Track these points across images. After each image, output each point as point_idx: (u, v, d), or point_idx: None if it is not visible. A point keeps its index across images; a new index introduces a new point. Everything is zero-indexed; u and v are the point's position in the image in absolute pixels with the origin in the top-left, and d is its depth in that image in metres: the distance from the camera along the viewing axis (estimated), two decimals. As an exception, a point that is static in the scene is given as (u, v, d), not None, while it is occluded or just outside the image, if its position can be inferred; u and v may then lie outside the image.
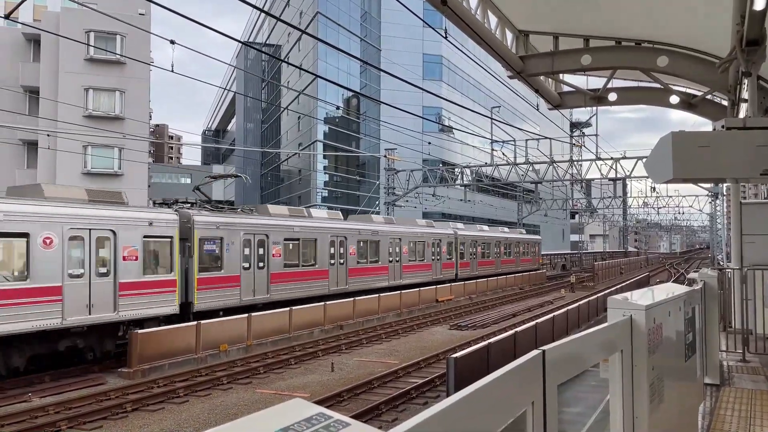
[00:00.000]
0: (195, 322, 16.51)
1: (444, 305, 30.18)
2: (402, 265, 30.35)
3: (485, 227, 44.37)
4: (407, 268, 30.81)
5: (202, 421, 11.55)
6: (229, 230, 19.24)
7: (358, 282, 26.50)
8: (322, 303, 21.74)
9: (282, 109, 69.03)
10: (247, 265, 19.71)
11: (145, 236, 16.32)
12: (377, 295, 25.38)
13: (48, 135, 35.46)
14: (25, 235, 13.88)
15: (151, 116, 49.87)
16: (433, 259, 33.22)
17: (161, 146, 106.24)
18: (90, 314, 14.99)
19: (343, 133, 61.14)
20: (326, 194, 59.39)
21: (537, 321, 16.82)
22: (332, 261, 24.72)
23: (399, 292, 27.14)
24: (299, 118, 63.22)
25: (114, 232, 15.68)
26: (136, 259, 16.08)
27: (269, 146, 71.90)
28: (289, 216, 23.16)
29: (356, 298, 23.85)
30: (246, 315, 18.13)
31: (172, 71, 16.47)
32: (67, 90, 38.02)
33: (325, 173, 60.51)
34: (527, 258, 48.77)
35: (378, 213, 50.42)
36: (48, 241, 14.20)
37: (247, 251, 19.85)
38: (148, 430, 11.12)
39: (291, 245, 22.28)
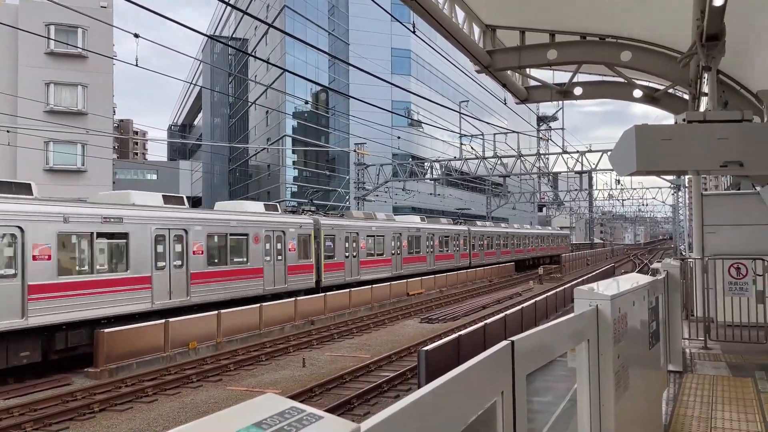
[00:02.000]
0: (163, 320, 16.29)
1: (415, 298, 30.27)
2: (402, 258, 33.51)
3: (488, 223, 47.90)
4: (407, 260, 34.08)
5: (172, 419, 11.42)
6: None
7: (372, 272, 30.01)
8: (293, 299, 21.57)
9: (250, 103, 68.27)
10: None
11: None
12: (348, 290, 25.30)
13: (8, 131, 34.54)
14: (125, 235, 16.83)
15: (114, 111, 48.93)
16: (456, 250, 40.26)
17: (126, 142, 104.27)
18: (170, 299, 17.94)
19: (312, 128, 60.79)
20: (295, 189, 58.51)
21: (506, 313, 16.87)
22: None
23: (370, 286, 27.02)
24: (267, 112, 62.42)
25: (186, 231, 18.85)
26: (202, 252, 19.39)
27: (237, 141, 70.94)
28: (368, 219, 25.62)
29: (327, 293, 23.77)
30: (215, 312, 17.94)
31: (136, 65, 16.19)
32: (27, 84, 37.08)
33: (294, 168, 59.91)
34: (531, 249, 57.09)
35: (348, 208, 49.79)
36: (144, 239, 17.32)
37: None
38: (117, 429, 10.95)
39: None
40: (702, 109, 9.88)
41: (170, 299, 18.07)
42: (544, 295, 22.70)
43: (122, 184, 54.95)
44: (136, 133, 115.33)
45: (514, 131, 42.72)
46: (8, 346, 13.93)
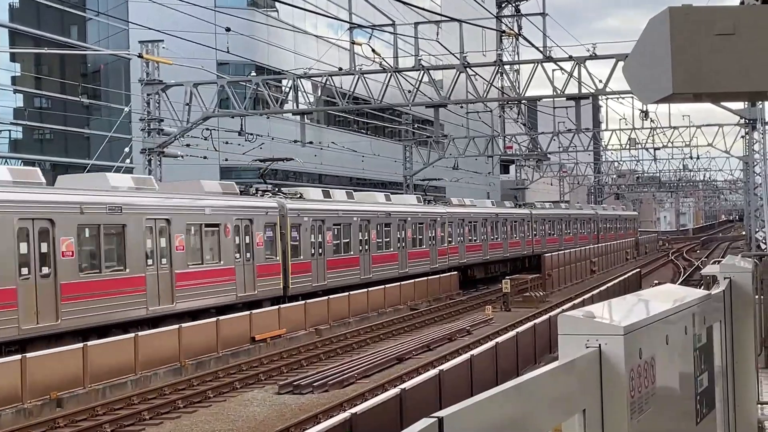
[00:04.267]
0: (20, 356, 12.43)
1: (267, 347, 17.86)
2: (408, 252, 27.70)
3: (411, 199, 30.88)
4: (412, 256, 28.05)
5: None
6: None
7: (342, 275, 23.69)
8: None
9: None
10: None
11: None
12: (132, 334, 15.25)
13: None
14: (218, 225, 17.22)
15: None
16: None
17: None
18: (245, 292, 18.36)
19: (51, 11, 31.75)
20: (20, 136, 33.43)
21: (440, 368, 11.16)
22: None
23: (178, 326, 16.20)
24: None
25: (251, 221, 19.24)
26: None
27: None
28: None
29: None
30: (81, 345, 13.47)
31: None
32: None
33: (15, 92, 32.45)
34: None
35: (131, 170, 28.04)
36: (227, 230, 17.28)
37: None
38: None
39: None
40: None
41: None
42: (512, 333, 15.29)
43: None
44: None
45: (453, 19, 22.40)
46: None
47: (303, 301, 19.99)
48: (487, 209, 36.47)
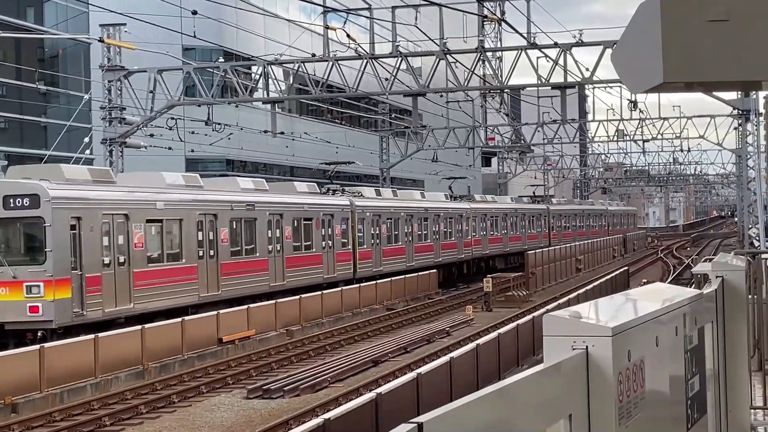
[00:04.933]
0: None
1: (235, 349, 17.22)
2: (441, 243, 31.81)
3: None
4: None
5: None
6: None
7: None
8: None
9: None
10: None
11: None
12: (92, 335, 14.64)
13: None
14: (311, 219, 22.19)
15: None
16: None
17: None
18: (329, 274, 23.21)
19: None
20: None
21: (418, 372, 10.82)
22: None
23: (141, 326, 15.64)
24: None
25: (332, 216, 23.63)
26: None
27: None
28: None
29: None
30: (38, 347, 12.94)
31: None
32: None
33: None
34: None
35: (91, 161, 25.94)
36: (318, 223, 21.36)
37: None
38: None
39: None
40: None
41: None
42: (493, 335, 14.80)
43: None
44: None
45: (432, 3, 21.30)
46: None
47: (273, 301, 19.58)
48: (507, 204, 39.87)
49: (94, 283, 15.17)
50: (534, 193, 49.09)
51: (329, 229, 23.94)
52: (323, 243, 23.51)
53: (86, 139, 25.93)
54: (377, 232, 26.75)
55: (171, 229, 17.74)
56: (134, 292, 16.24)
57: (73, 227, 14.86)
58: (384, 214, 27.59)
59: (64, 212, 14.72)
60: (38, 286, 14.36)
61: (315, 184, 25.40)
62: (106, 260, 15.66)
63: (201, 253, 18.34)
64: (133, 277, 16.24)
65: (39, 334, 14.27)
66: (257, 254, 20.58)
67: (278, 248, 21.51)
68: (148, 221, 16.90)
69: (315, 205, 23.67)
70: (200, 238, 18.39)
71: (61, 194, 14.87)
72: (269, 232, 21.18)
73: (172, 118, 23.24)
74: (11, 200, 14.60)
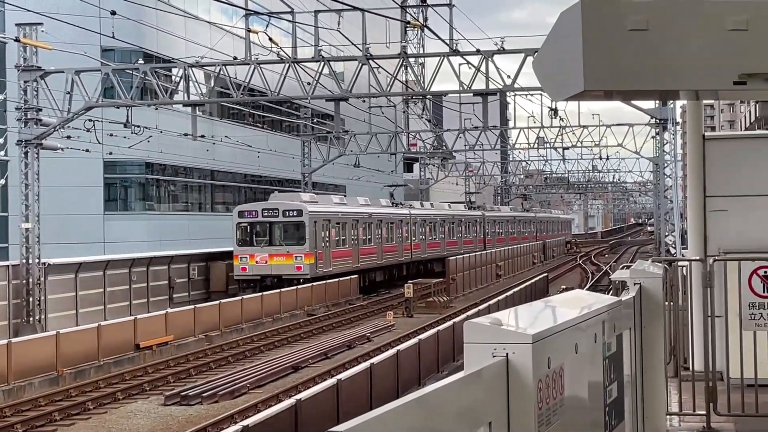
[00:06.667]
0: None
1: (153, 355, 16.82)
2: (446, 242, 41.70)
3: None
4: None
5: None
6: None
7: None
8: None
9: None
10: None
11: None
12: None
13: None
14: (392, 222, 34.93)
15: None
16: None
17: None
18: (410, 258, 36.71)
19: None
20: None
21: (338, 378, 10.61)
22: None
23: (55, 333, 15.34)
24: None
25: (401, 220, 36.53)
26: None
27: None
28: None
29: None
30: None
31: None
32: None
33: None
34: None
35: (5, 164, 26.03)
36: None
37: None
38: None
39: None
40: None
41: None
42: (414, 341, 14.60)
43: None
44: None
45: (354, 7, 21.04)
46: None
47: (192, 306, 19.17)
48: (445, 211, 43.80)
49: (320, 257, 27.85)
50: (468, 200, 52.08)
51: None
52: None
53: (0, 140, 25.17)
54: (422, 230, 36.97)
55: (344, 228, 30.59)
56: (332, 261, 28.91)
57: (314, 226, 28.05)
58: (426, 218, 37.56)
59: (312, 218, 28.01)
60: (300, 256, 26.91)
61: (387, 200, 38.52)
62: (324, 243, 28.51)
63: (355, 241, 31.04)
64: (331, 254, 28.85)
65: (300, 280, 25.96)
66: (372, 244, 33.12)
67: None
68: (335, 224, 30.20)
69: (393, 214, 37.21)
70: (353, 234, 31.08)
71: (311, 209, 28.36)
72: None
73: (90, 120, 22.68)
74: (287, 212, 27.70)
